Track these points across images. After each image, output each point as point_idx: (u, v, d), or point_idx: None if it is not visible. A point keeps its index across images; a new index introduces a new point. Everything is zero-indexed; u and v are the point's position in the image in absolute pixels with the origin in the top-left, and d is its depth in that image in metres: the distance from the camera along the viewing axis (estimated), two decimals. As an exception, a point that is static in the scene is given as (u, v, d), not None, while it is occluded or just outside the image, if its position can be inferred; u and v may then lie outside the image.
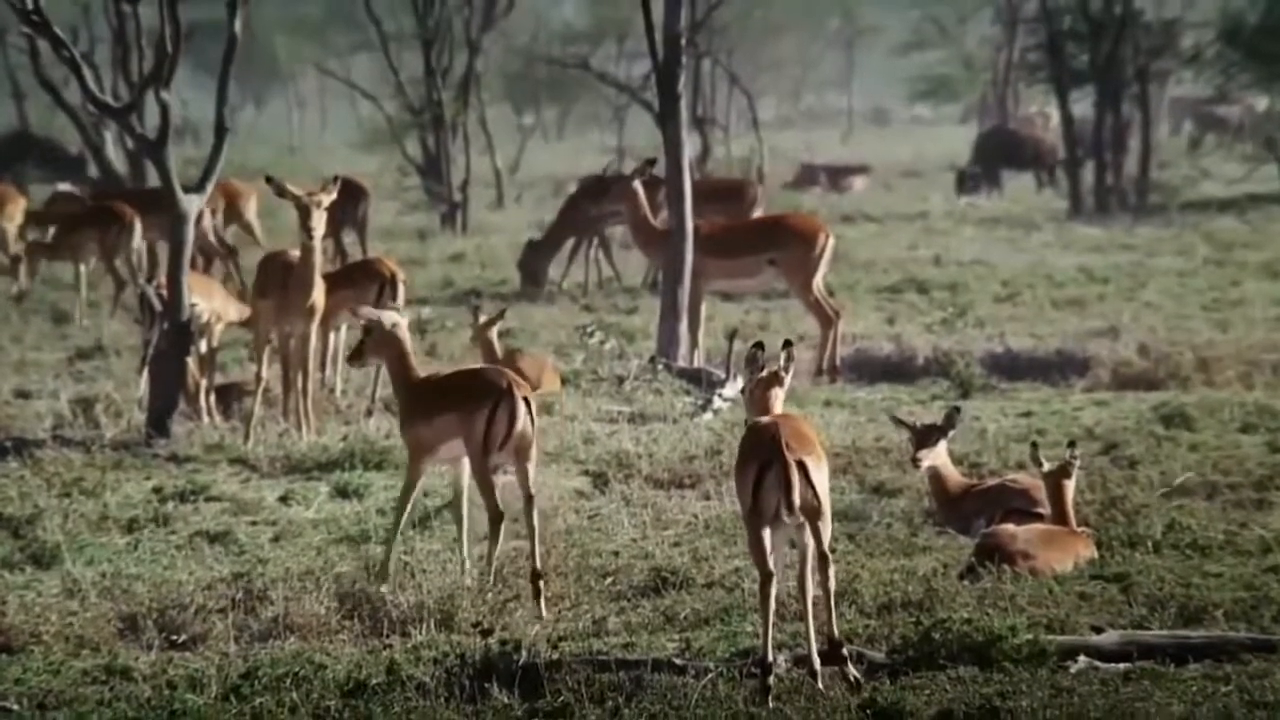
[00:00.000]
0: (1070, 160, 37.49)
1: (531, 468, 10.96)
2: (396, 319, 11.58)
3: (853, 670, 9.18)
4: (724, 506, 13.04)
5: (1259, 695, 8.71)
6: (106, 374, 18.71)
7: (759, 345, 9.67)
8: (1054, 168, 41.35)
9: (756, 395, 9.65)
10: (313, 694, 9.00)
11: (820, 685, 9.06)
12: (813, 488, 9.10)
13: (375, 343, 11.61)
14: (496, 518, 11.03)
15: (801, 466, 9.05)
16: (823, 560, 9.14)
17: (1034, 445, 11.91)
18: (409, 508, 11.32)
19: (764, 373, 9.65)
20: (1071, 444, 11.87)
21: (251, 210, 26.50)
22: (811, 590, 9.23)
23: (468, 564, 11.18)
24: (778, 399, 9.64)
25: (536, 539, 10.87)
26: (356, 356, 11.80)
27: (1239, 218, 33.78)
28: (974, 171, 41.48)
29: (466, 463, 11.16)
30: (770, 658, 9.02)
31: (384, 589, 10.69)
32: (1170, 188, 38.02)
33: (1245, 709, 8.51)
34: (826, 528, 9.16)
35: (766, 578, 9.04)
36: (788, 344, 9.77)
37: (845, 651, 9.21)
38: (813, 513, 9.13)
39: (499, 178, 38.95)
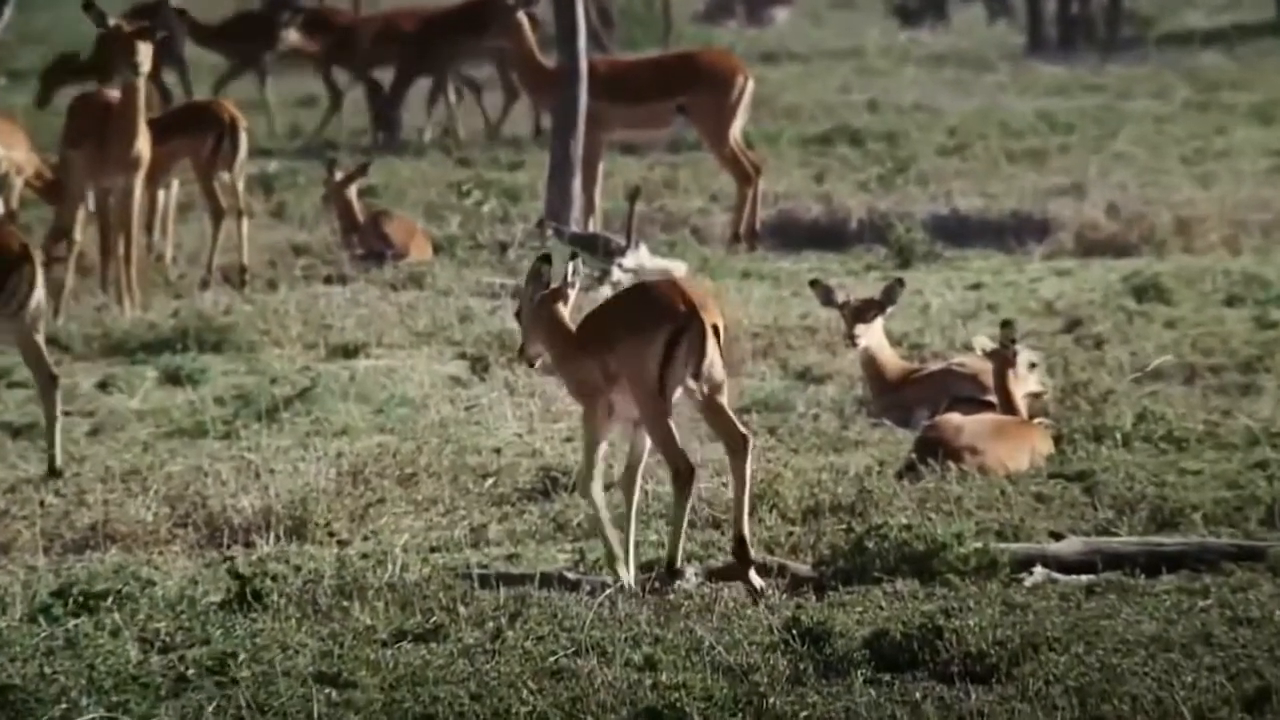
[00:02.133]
0: (1030, -13, 37.47)
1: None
2: None
3: (756, 578, 9.23)
4: (623, 394, 13.06)
5: (1242, 610, 8.78)
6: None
7: (545, 259, 9.58)
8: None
9: (542, 315, 9.52)
10: (138, 614, 8.96)
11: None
12: (722, 358, 9.17)
13: None
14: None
15: (716, 332, 9.10)
16: (743, 442, 9.20)
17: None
18: None
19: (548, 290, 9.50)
20: (1005, 324, 11.88)
21: None
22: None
23: None
24: (564, 317, 9.52)
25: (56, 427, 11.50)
26: None
27: (1225, 53, 33.94)
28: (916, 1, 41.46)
29: None
30: (682, 565, 9.10)
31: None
32: (1145, 17, 38.09)
33: (1226, 625, 8.59)
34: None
35: (689, 471, 9.10)
36: (575, 255, 9.73)
37: (752, 555, 9.27)
38: (719, 387, 9.19)
39: (358, 4, 38.54)
